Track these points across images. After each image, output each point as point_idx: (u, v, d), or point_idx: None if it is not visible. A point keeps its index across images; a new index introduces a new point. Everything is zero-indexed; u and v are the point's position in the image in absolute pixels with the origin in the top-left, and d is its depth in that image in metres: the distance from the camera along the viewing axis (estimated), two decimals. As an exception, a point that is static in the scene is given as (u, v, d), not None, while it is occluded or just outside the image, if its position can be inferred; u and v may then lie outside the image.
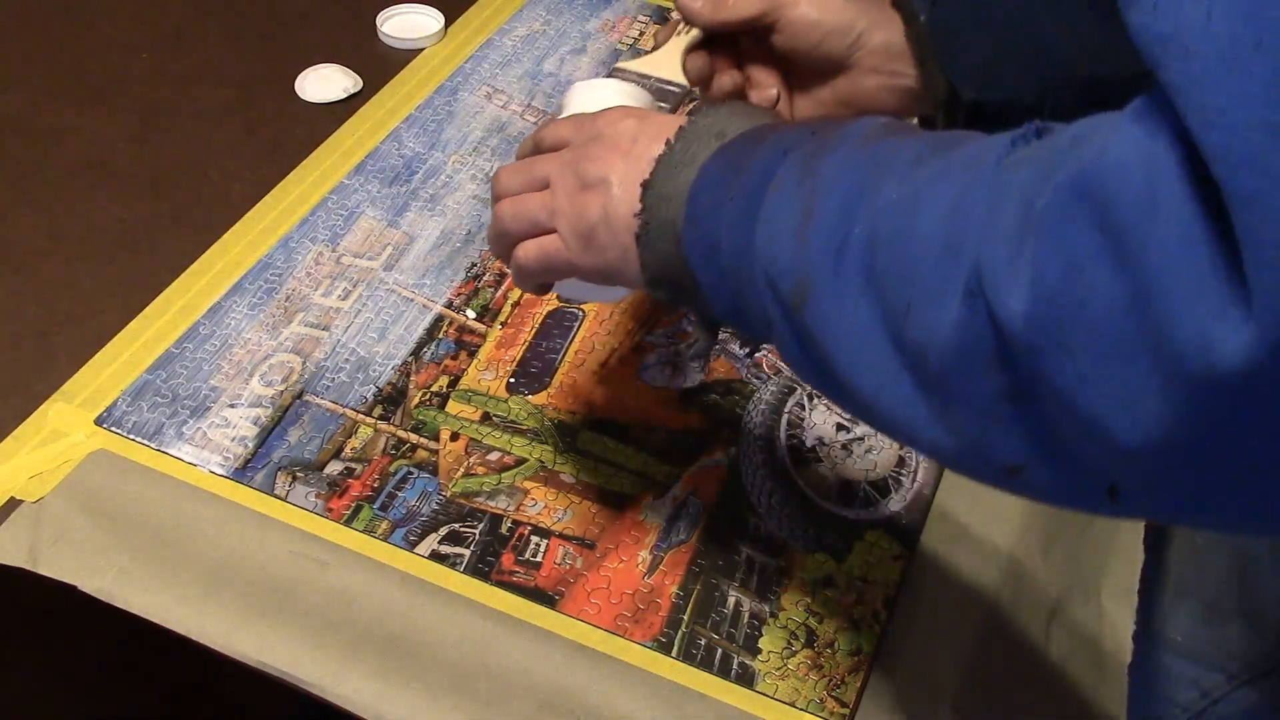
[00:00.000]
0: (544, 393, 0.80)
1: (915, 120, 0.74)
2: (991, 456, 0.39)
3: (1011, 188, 0.37)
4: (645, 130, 0.56)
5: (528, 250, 0.58)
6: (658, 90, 0.71)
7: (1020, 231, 0.36)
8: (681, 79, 0.72)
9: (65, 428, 0.74)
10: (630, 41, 1.10)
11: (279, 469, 0.73)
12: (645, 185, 0.53)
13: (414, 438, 0.76)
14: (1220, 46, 0.31)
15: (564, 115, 0.65)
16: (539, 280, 0.61)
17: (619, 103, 0.65)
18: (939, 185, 0.40)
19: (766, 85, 0.73)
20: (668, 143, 0.54)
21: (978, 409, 0.38)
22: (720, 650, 0.67)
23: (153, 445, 0.74)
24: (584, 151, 0.57)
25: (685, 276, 0.52)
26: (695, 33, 0.71)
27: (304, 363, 0.80)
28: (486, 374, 0.81)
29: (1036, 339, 0.35)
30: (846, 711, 0.65)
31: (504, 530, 0.72)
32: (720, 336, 0.75)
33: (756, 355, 0.83)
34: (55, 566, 0.67)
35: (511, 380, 0.80)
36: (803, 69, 0.72)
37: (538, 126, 0.62)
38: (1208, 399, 0.32)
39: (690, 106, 0.72)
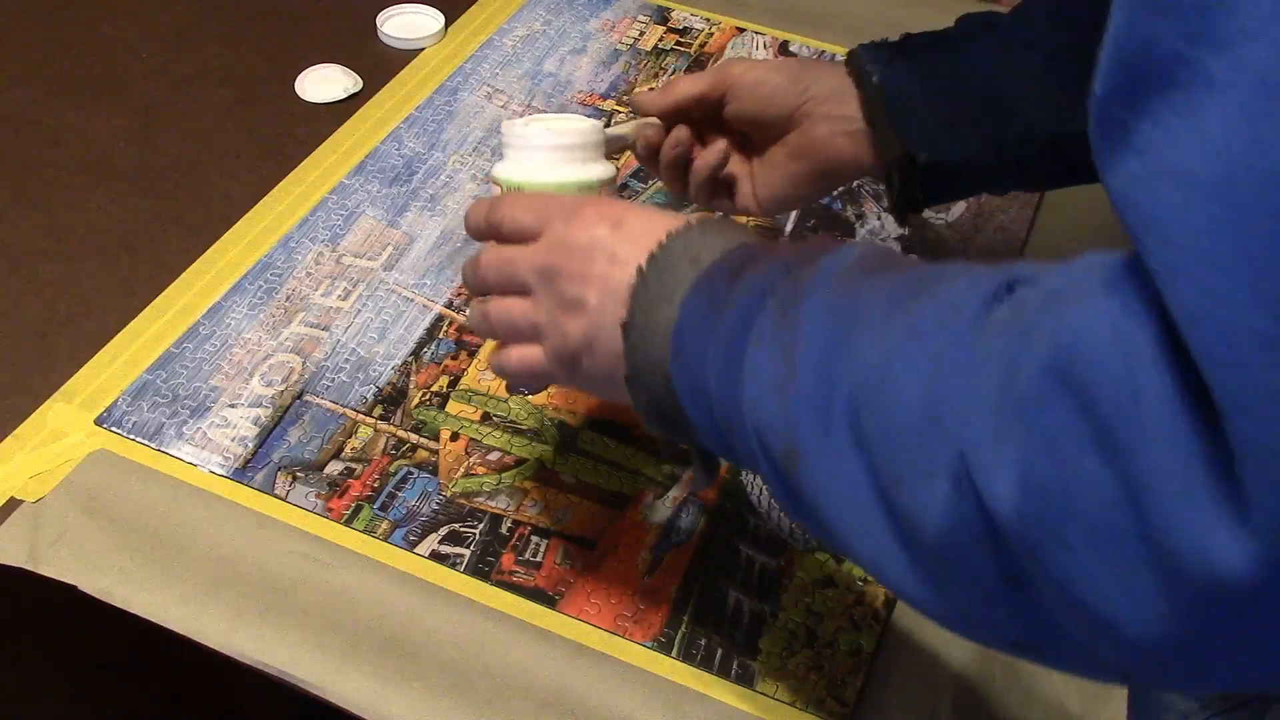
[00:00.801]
0: (544, 393, 0.80)
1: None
2: (994, 633, 0.38)
3: (987, 360, 0.36)
4: (619, 245, 0.53)
5: (510, 359, 0.58)
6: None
7: (1001, 414, 0.35)
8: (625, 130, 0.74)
9: (65, 428, 0.74)
10: (630, 41, 1.10)
11: (279, 469, 0.73)
12: (626, 327, 0.52)
13: (414, 438, 0.76)
14: (1200, 241, 0.29)
15: (507, 161, 0.63)
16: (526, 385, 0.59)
17: (562, 154, 0.62)
18: (914, 349, 0.39)
19: (714, 148, 0.74)
20: (640, 272, 0.52)
21: (975, 589, 0.37)
22: (720, 650, 0.67)
23: (153, 445, 0.74)
24: (558, 265, 0.54)
25: (679, 414, 0.51)
26: (651, 120, 0.73)
27: (304, 363, 0.80)
28: (486, 374, 0.81)
29: (1029, 530, 0.34)
30: (847, 711, 0.65)
31: (504, 530, 0.72)
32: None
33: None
34: (55, 566, 0.67)
35: (511, 380, 0.80)
36: (758, 133, 0.73)
37: (490, 199, 0.59)
38: (1211, 603, 0.30)
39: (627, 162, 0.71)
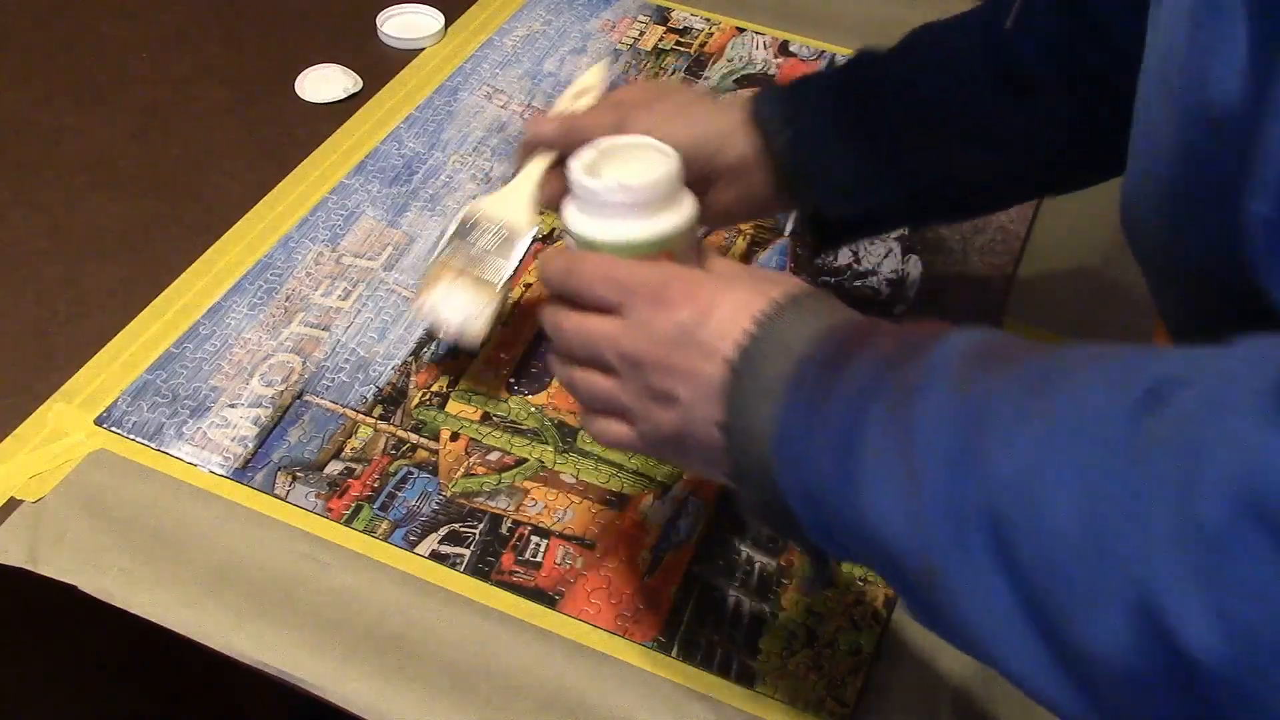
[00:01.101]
0: (544, 393, 0.80)
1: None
2: None
3: (1153, 483, 0.34)
4: (707, 335, 0.51)
5: (603, 434, 0.56)
6: (500, 247, 0.74)
7: (1185, 549, 0.33)
8: (527, 220, 0.74)
9: (65, 428, 0.74)
10: (630, 41, 1.10)
11: (279, 469, 0.73)
12: (724, 428, 0.50)
13: (414, 438, 0.76)
14: None
15: (578, 212, 0.57)
16: None
17: (638, 209, 0.56)
18: (1059, 464, 0.37)
19: None
20: (732, 368, 0.49)
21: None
22: (720, 650, 0.67)
23: (153, 445, 0.74)
24: (644, 356, 0.52)
25: (789, 515, 0.49)
26: (550, 155, 0.73)
27: (304, 363, 0.80)
28: (486, 374, 0.81)
29: (1236, 675, 0.32)
30: (846, 711, 0.65)
31: (504, 530, 0.72)
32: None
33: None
34: (55, 566, 0.67)
35: (511, 380, 0.80)
36: None
37: (567, 259, 0.56)
38: None
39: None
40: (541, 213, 0.75)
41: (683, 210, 0.57)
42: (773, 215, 0.74)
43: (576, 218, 0.57)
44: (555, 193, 0.72)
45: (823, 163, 0.70)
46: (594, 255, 0.56)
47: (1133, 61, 0.66)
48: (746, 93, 0.73)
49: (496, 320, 0.77)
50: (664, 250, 0.56)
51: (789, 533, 0.51)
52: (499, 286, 0.74)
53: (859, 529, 0.44)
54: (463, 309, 0.74)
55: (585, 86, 0.77)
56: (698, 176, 0.71)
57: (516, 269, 0.74)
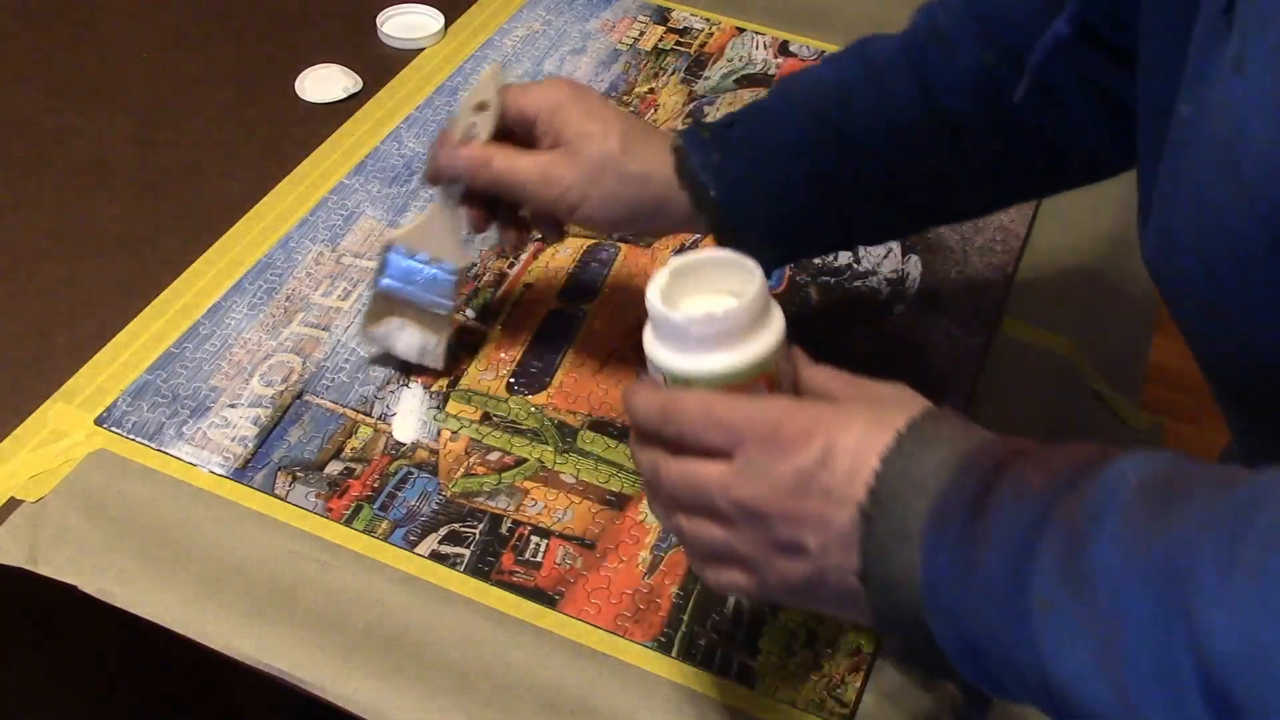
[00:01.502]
0: (544, 393, 0.80)
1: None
2: None
3: None
4: (831, 479, 0.47)
5: (719, 584, 0.52)
6: (435, 279, 0.76)
7: None
8: (456, 254, 0.76)
9: (65, 428, 0.74)
10: (630, 41, 1.10)
11: (279, 469, 0.73)
12: (862, 576, 0.47)
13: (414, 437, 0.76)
14: None
15: (667, 346, 0.53)
16: None
17: (729, 337, 0.51)
18: None
19: (512, 238, 0.75)
20: (864, 513, 0.46)
21: None
22: (720, 650, 0.67)
23: (153, 445, 0.74)
24: (765, 506, 0.48)
25: (942, 660, 0.46)
26: (459, 190, 0.73)
27: (304, 363, 0.80)
28: (486, 374, 0.81)
29: None
30: (846, 711, 0.65)
31: (504, 530, 0.72)
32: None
33: None
34: (55, 566, 0.67)
35: (511, 380, 0.80)
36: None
37: (663, 399, 0.52)
38: None
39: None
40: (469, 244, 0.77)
41: (774, 325, 0.53)
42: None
43: (661, 352, 0.53)
44: (478, 220, 0.74)
45: (749, 216, 0.68)
46: (690, 395, 0.51)
47: (1063, 112, 0.67)
48: (679, 123, 0.72)
49: (455, 341, 0.80)
50: (762, 373, 0.52)
51: (942, 674, 0.49)
52: (447, 319, 0.77)
53: (1041, 686, 0.41)
54: (418, 343, 0.78)
55: (483, 98, 0.72)
56: (637, 234, 0.71)
57: (456, 299, 0.77)
